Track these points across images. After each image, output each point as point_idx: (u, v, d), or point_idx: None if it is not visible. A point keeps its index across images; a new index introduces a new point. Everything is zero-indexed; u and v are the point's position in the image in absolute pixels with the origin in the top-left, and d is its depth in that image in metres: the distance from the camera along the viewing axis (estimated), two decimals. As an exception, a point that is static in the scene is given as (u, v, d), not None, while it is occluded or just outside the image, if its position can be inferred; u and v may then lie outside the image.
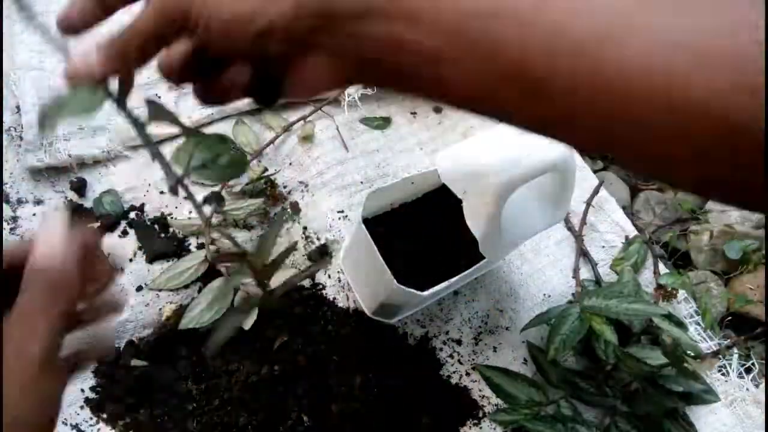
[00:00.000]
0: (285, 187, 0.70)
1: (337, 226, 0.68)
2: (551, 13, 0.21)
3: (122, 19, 0.30)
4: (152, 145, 0.29)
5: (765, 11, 0.19)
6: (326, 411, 0.57)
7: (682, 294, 0.70)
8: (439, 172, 0.51)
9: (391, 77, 0.26)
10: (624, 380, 0.61)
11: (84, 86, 0.28)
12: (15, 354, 0.25)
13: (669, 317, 0.61)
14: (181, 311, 0.59)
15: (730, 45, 0.19)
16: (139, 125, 0.29)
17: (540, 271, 0.70)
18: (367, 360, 0.60)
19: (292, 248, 0.31)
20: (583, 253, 0.72)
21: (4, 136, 0.65)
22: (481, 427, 0.60)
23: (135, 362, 0.57)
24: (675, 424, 0.60)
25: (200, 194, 0.67)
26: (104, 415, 0.55)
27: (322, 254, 0.66)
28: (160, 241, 0.63)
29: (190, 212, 0.66)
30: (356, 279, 0.63)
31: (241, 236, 0.65)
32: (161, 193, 0.67)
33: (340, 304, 0.63)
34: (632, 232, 0.74)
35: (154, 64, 0.30)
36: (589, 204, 0.74)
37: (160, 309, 0.60)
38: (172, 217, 0.65)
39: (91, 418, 0.55)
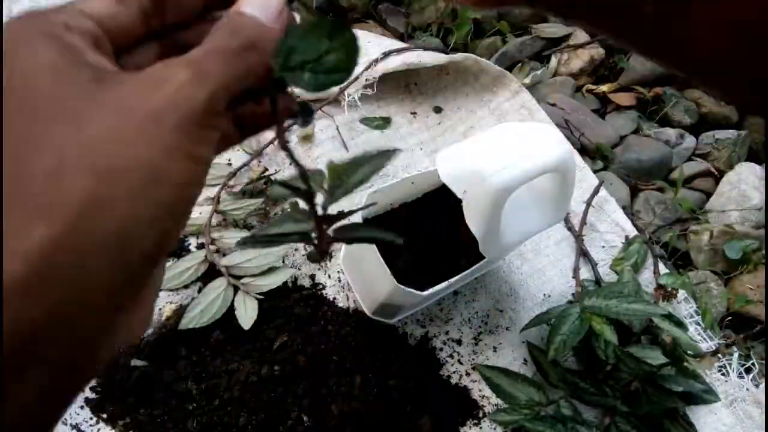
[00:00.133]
0: (285, 187, 0.70)
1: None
2: None
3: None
4: None
5: None
6: (326, 411, 0.57)
7: (682, 294, 0.70)
8: (439, 172, 0.51)
9: None
10: (624, 380, 0.61)
11: None
12: (172, 102, 0.18)
13: (669, 317, 0.61)
14: (181, 311, 0.59)
15: None
16: None
17: (540, 271, 0.70)
18: (367, 360, 0.60)
19: None
20: (583, 253, 0.72)
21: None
22: (481, 427, 0.60)
23: (135, 362, 0.57)
24: (675, 424, 0.60)
25: (203, 194, 0.67)
26: (104, 415, 0.55)
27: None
28: (160, 241, 0.63)
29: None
30: (356, 279, 0.63)
31: (241, 236, 0.65)
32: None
33: (340, 304, 0.63)
34: (632, 232, 0.74)
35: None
36: (589, 204, 0.74)
37: (160, 309, 0.60)
38: (172, 217, 0.65)
39: (91, 418, 0.55)
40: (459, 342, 0.64)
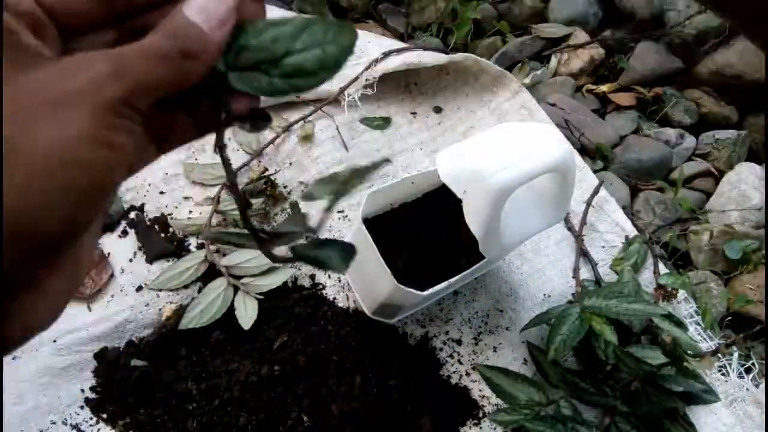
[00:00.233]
0: (285, 187, 0.70)
1: (338, 226, 0.68)
2: None
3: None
4: None
5: None
6: (326, 411, 0.57)
7: (682, 294, 0.70)
8: (439, 172, 0.51)
9: None
10: (624, 380, 0.61)
11: None
12: (84, 89, 0.18)
13: (669, 317, 0.61)
14: (181, 311, 0.59)
15: None
16: None
17: (540, 271, 0.70)
18: (367, 360, 0.60)
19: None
20: (583, 253, 0.72)
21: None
22: (481, 427, 0.60)
23: (135, 362, 0.57)
24: (675, 424, 0.60)
25: (202, 194, 0.67)
26: (104, 415, 0.55)
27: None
28: (160, 241, 0.63)
29: (190, 212, 0.66)
30: (356, 279, 0.63)
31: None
32: (161, 193, 0.67)
33: (340, 304, 0.63)
34: (632, 232, 0.74)
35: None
36: (589, 204, 0.74)
37: (160, 309, 0.60)
38: (172, 217, 0.65)
39: (91, 418, 0.55)
40: (459, 342, 0.64)
